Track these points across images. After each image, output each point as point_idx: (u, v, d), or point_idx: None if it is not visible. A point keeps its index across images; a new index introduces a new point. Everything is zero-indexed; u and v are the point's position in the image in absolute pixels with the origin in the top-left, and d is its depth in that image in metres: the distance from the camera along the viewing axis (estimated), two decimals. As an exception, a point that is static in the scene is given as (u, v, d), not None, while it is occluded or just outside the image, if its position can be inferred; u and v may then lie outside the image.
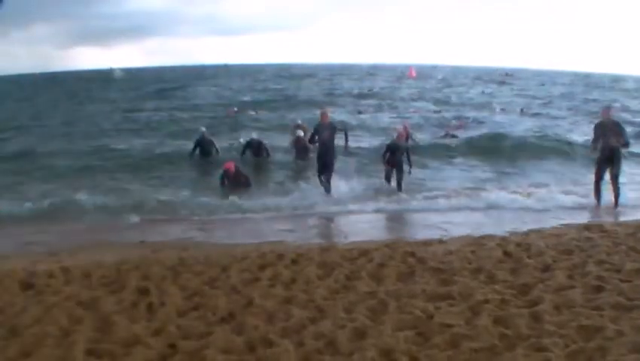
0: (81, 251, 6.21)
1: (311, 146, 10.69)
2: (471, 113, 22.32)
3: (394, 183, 9.73)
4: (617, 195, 8.51)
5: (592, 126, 8.97)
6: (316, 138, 9.38)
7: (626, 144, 8.55)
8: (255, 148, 12.32)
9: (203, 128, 12.83)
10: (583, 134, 15.77)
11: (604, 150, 8.38)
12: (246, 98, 29.41)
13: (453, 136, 16.15)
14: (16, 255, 6.08)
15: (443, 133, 16.75)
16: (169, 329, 3.73)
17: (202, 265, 5.29)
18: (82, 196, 8.75)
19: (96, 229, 7.48)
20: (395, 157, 9.62)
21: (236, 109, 22.42)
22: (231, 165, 10.13)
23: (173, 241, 6.74)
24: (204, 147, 12.35)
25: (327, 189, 9.30)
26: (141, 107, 25.83)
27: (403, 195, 9.29)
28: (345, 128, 10.39)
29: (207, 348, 3.43)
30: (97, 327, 3.81)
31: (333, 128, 9.42)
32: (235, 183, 9.95)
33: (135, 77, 57.59)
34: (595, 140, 8.58)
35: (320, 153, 9.44)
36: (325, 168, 9.35)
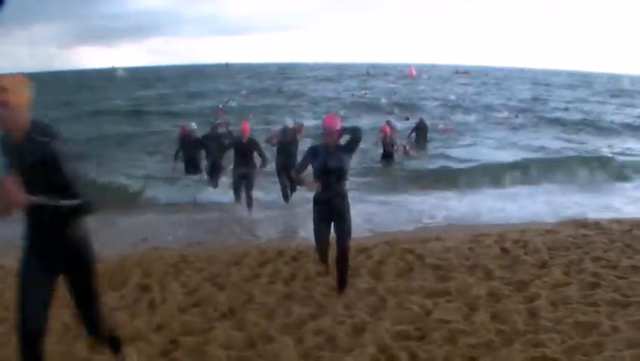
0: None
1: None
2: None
3: None
4: None
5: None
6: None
7: None
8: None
9: (193, 125, 10.01)
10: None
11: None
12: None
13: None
14: (18, 252, 6.10)
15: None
16: (170, 324, 3.78)
17: (203, 261, 5.34)
18: None
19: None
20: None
21: (220, 107, 19.59)
22: (246, 127, 7.61)
23: (175, 238, 6.77)
24: (189, 148, 9.52)
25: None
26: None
27: None
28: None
29: (208, 344, 3.47)
30: (99, 323, 3.84)
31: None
32: (243, 153, 7.55)
33: (136, 76, 57.12)
34: None
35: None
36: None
